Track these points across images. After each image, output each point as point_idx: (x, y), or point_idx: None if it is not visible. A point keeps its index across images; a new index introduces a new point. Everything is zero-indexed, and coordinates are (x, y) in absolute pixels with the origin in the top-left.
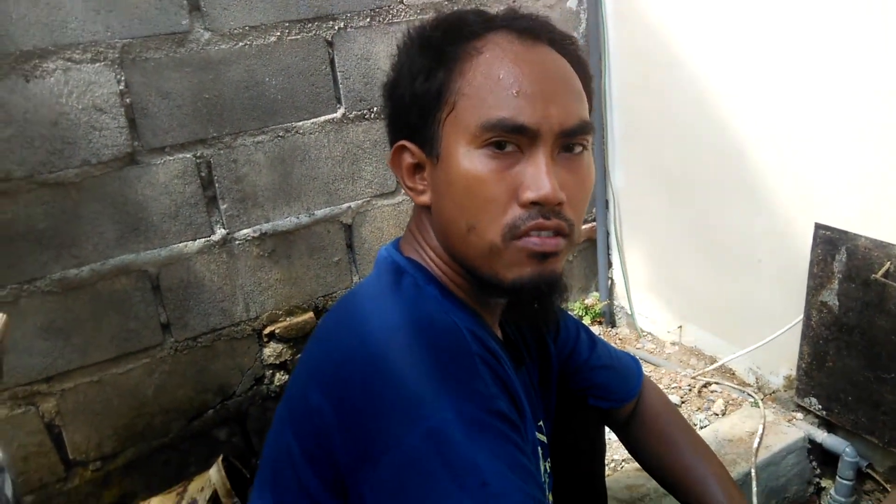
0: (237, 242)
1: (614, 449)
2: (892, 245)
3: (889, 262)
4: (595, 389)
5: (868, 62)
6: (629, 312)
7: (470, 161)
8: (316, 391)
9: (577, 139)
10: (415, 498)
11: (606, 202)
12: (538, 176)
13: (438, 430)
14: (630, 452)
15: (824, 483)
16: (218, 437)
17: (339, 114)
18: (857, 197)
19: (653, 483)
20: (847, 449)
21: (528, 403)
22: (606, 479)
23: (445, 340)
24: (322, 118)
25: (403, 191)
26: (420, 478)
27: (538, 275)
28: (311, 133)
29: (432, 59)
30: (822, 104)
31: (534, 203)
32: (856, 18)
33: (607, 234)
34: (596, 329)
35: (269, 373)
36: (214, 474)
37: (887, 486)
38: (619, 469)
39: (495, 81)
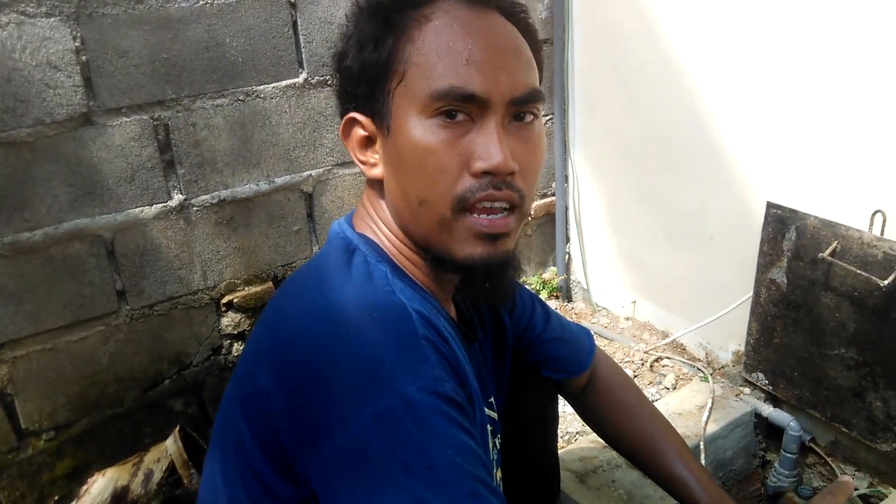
0: (195, 209)
1: (568, 422)
2: (840, 225)
3: (836, 242)
4: (549, 362)
5: (818, 47)
6: (585, 287)
7: (421, 131)
8: (263, 372)
9: (527, 108)
10: (360, 482)
11: (566, 177)
12: (489, 145)
13: (384, 414)
14: (586, 422)
15: (769, 456)
16: (174, 408)
17: (300, 79)
18: (808, 177)
19: (606, 454)
20: (791, 423)
21: (477, 382)
22: (560, 451)
23: (392, 323)
24: (284, 83)
25: (359, 167)
26: (365, 462)
27: (490, 255)
28: (272, 98)
29: (380, 28)
30: (776, 86)
31: (485, 173)
32: (809, 3)
33: (566, 208)
34: (552, 303)
35: (226, 343)
36: (171, 445)
37: (828, 460)
38: (572, 441)
39: (445, 49)
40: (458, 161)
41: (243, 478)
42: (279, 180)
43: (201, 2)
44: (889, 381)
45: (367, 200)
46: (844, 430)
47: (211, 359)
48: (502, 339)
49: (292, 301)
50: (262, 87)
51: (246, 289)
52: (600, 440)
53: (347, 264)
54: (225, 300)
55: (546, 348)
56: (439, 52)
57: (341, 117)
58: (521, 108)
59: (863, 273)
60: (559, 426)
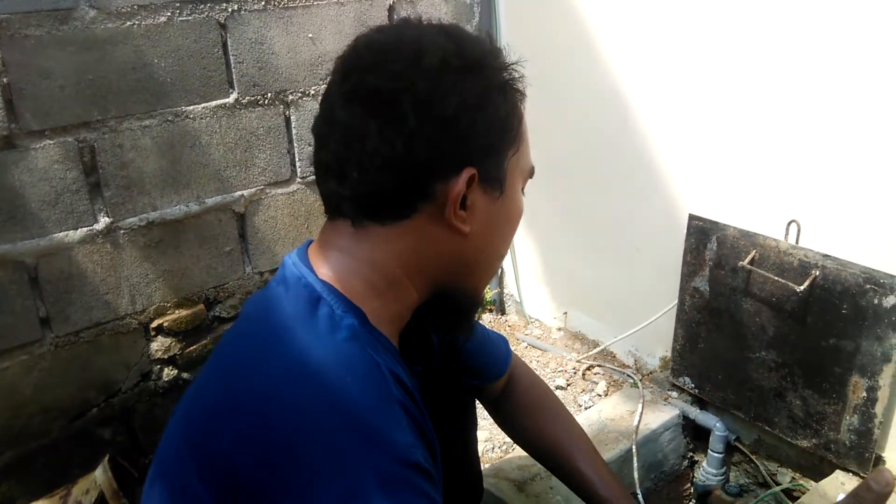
0: (122, 232)
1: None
2: (758, 234)
3: (755, 251)
4: (469, 370)
5: (735, 69)
6: (518, 300)
7: (520, 199)
8: (227, 436)
9: None
10: None
11: None
12: None
13: (355, 490)
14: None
15: (697, 457)
16: (103, 437)
17: (231, 99)
18: (727, 190)
19: None
20: (717, 424)
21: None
22: (499, 461)
23: (368, 387)
24: (214, 103)
25: (451, 219)
26: None
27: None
28: (201, 118)
29: (510, 95)
30: (698, 104)
31: None
32: (730, 16)
33: None
34: (487, 317)
35: (156, 368)
36: (100, 475)
37: (753, 457)
38: (510, 451)
39: (527, 130)
40: None
41: None
42: (210, 201)
43: (128, 23)
44: (807, 381)
45: (352, 247)
46: (767, 428)
47: (140, 385)
48: (431, 356)
49: (255, 357)
50: (191, 107)
51: (176, 312)
52: None
53: (312, 315)
54: (154, 324)
55: (467, 358)
56: (526, 133)
57: (437, 167)
58: None
59: (780, 279)
60: (496, 437)
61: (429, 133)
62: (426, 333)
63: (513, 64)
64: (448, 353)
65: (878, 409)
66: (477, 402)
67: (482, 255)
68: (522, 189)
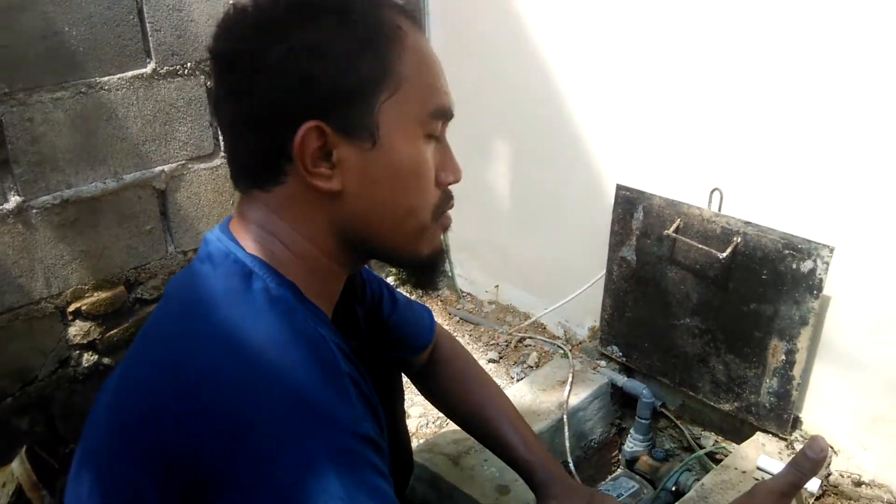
0: (34, 211)
1: None
2: (682, 203)
3: (679, 219)
4: (394, 343)
5: (659, 44)
6: (450, 275)
7: (415, 147)
8: (170, 421)
9: None
10: None
11: None
12: (454, 160)
13: (308, 465)
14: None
15: (625, 424)
16: (19, 427)
17: (148, 69)
18: (653, 160)
19: None
20: (644, 391)
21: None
22: (433, 436)
23: (315, 360)
24: (130, 73)
25: (307, 177)
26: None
27: (440, 245)
28: (117, 89)
29: (365, 38)
30: (624, 77)
31: (448, 184)
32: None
33: None
34: (418, 292)
35: (75, 353)
36: (17, 467)
37: (678, 423)
38: (444, 426)
39: (428, 67)
40: (433, 174)
41: None
42: (128, 177)
43: None
44: (730, 346)
45: (261, 219)
46: (691, 393)
47: (59, 372)
48: (357, 329)
49: (193, 336)
50: (106, 78)
51: (95, 295)
52: None
53: (247, 290)
54: (72, 308)
55: (392, 331)
56: (426, 70)
57: (279, 125)
58: None
59: (703, 247)
60: (431, 412)
61: (263, 89)
62: (351, 306)
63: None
64: (373, 326)
65: (796, 371)
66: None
67: (374, 213)
68: (432, 134)
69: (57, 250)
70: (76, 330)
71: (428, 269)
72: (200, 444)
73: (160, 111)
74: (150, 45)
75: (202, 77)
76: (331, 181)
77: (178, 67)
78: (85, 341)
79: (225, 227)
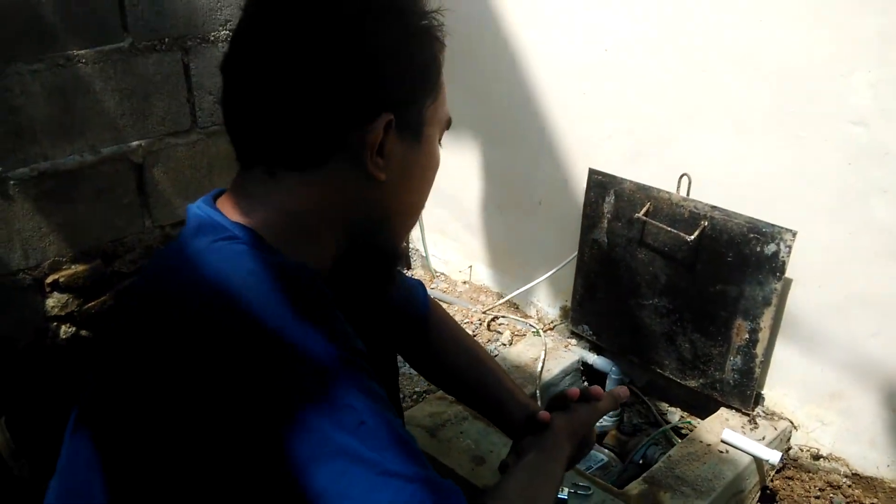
0: (12, 183)
1: (415, 381)
2: (652, 188)
3: (649, 203)
4: (392, 319)
5: (633, 34)
6: (424, 255)
7: (437, 148)
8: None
9: None
10: (296, 447)
11: None
12: None
13: (313, 373)
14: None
15: None
16: None
17: (126, 43)
18: (625, 144)
19: (453, 409)
20: (613, 368)
21: None
22: (410, 409)
23: (303, 282)
24: (107, 47)
25: (369, 165)
26: (298, 423)
27: None
28: (95, 63)
29: (426, 43)
30: (597, 64)
31: None
32: None
33: None
34: None
35: (52, 325)
36: None
37: (645, 399)
38: (420, 400)
39: (443, 79)
40: None
41: None
42: (106, 150)
43: None
44: (695, 326)
45: (266, 195)
46: (658, 370)
47: (36, 343)
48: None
49: (180, 286)
50: (83, 51)
51: (73, 267)
52: (448, 397)
53: (232, 241)
54: (49, 280)
55: (390, 308)
56: (444, 83)
57: (352, 113)
58: None
59: (672, 230)
60: (405, 387)
61: (346, 78)
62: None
63: (433, 11)
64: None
65: (759, 349)
66: None
67: (400, 205)
68: (440, 140)
69: (34, 222)
70: (54, 302)
71: (394, 263)
72: (200, 374)
73: (137, 86)
74: (128, 19)
75: (180, 53)
76: (381, 171)
77: (155, 43)
78: (63, 313)
79: (209, 200)
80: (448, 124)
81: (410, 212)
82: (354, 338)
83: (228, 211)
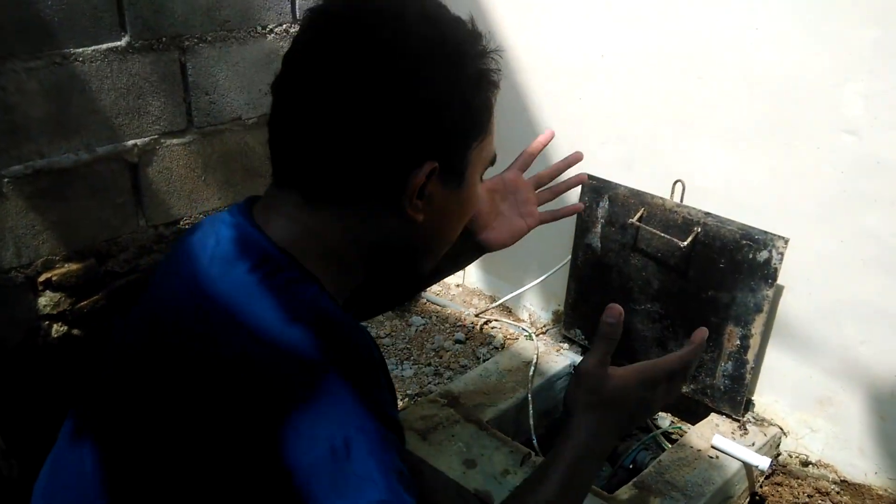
0: (6, 180)
1: (407, 384)
2: (646, 193)
3: (643, 209)
4: None
5: (632, 31)
6: None
7: (478, 188)
8: (211, 408)
9: None
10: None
11: None
12: None
13: (345, 445)
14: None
15: None
16: None
17: (123, 42)
18: (619, 150)
19: (445, 412)
20: None
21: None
22: (402, 412)
23: (355, 346)
24: (104, 46)
25: (407, 209)
26: (321, 487)
27: None
28: (91, 61)
29: (481, 87)
30: (595, 72)
31: None
32: None
33: None
34: None
35: (44, 324)
36: None
37: None
38: (412, 403)
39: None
40: None
41: None
42: (101, 149)
43: None
44: (687, 331)
45: (301, 218)
46: None
47: (27, 341)
48: None
49: (216, 324)
50: (80, 49)
51: (66, 266)
52: (439, 399)
53: (272, 278)
54: (42, 278)
55: None
56: (494, 122)
57: (399, 158)
58: None
59: (665, 236)
60: (398, 389)
61: (396, 125)
62: None
63: (491, 52)
64: None
65: (750, 356)
66: None
67: (430, 243)
68: (482, 176)
69: (28, 220)
70: (46, 300)
71: (418, 288)
72: (242, 422)
73: (134, 85)
74: (126, 18)
75: (176, 53)
76: (419, 213)
77: (152, 42)
78: (55, 312)
79: (246, 206)
80: (493, 161)
81: (442, 246)
82: (389, 406)
83: (267, 227)
